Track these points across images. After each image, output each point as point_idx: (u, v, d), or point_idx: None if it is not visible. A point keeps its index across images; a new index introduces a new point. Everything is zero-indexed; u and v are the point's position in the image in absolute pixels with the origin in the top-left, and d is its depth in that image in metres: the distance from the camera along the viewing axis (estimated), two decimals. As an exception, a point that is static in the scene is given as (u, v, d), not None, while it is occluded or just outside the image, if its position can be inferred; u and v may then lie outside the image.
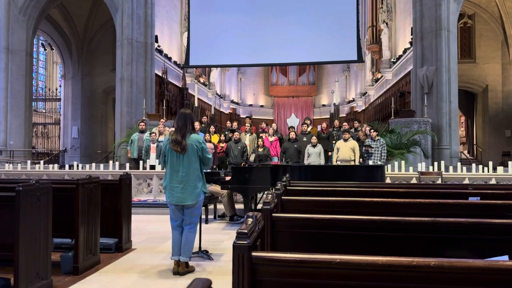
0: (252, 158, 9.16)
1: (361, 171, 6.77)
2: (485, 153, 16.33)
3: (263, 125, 11.35)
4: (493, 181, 7.50)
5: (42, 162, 10.09)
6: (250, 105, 28.52)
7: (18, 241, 3.07)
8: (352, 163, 8.30)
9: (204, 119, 11.17)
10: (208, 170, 5.92)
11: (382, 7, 18.50)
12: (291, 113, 24.45)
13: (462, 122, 18.74)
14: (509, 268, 1.26)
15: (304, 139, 9.70)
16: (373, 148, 8.34)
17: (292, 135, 9.34)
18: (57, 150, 19.09)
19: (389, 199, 3.06)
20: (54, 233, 3.60)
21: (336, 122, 10.49)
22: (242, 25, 14.02)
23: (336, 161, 8.44)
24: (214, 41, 14.10)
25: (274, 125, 11.32)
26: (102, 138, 18.62)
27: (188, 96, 17.92)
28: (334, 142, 9.27)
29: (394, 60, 17.02)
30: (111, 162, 9.81)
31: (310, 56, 14.04)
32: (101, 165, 9.37)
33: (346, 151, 8.42)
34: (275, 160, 9.34)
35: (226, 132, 10.37)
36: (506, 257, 1.68)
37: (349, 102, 25.81)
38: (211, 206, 7.15)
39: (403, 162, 8.33)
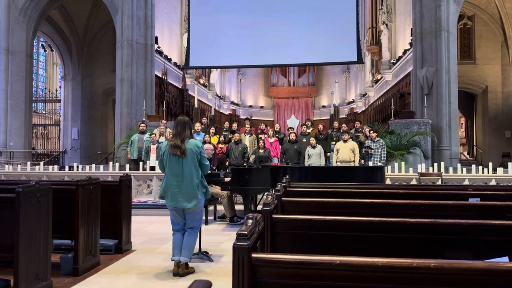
0: (252, 159, 9.16)
1: (361, 172, 6.77)
2: (485, 154, 16.33)
3: (262, 126, 11.35)
4: (493, 182, 7.50)
5: (42, 163, 10.09)
6: (250, 106, 28.54)
7: (18, 242, 3.07)
8: (352, 164, 8.30)
9: (204, 120, 11.17)
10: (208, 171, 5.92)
11: (382, 8, 18.52)
12: (291, 114, 24.46)
13: (462, 123, 18.74)
14: (509, 270, 1.26)
15: (304, 140, 9.70)
16: (372, 149, 8.33)
17: (292, 136, 9.34)
18: (57, 151, 19.09)
19: (389, 200, 3.06)
20: (54, 234, 3.60)
21: (336, 123, 10.49)
22: (242, 26, 14.03)
23: (336, 162, 8.44)
24: (214, 42, 14.12)
25: (277, 125, 11.31)
26: (102, 139, 18.62)
27: (188, 97, 17.93)
28: (333, 143, 9.27)
29: (394, 61, 17.03)
30: (111, 163, 9.82)
31: (310, 57, 14.05)
32: (101, 166, 9.37)
33: (346, 152, 8.41)
34: (275, 161, 9.33)
35: (225, 133, 10.37)
36: (506, 258, 1.68)
37: (349, 103, 25.82)
38: (211, 207, 7.15)
39: (403, 163, 8.33)
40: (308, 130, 10.25)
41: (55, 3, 15.05)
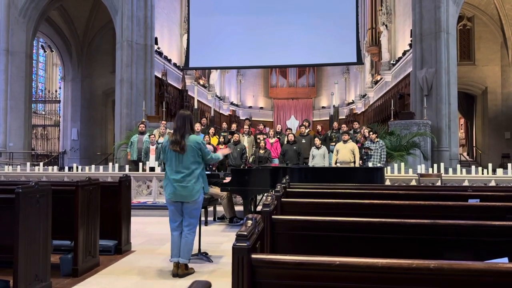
0: (251, 159, 9.16)
1: (361, 173, 6.77)
2: (485, 155, 16.35)
3: (261, 126, 11.34)
4: (492, 183, 7.50)
5: (41, 164, 10.08)
6: (250, 107, 28.55)
7: (18, 243, 3.07)
8: (352, 165, 8.30)
9: (204, 121, 11.17)
10: (208, 172, 5.92)
11: (381, 9, 18.53)
12: (291, 115, 24.46)
13: (461, 124, 18.76)
14: (508, 271, 1.26)
15: (303, 141, 9.70)
16: (372, 150, 8.33)
17: (291, 137, 9.33)
18: (57, 152, 19.09)
19: (389, 201, 3.06)
20: (54, 235, 3.60)
21: (336, 124, 10.49)
22: (241, 27, 14.05)
23: (336, 163, 8.43)
24: (213, 43, 14.13)
25: (278, 126, 11.32)
26: (102, 140, 18.61)
27: (187, 98, 17.92)
28: (333, 144, 9.26)
29: (394, 62, 17.04)
30: (110, 164, 9.81)
31: (310, 58, 14.06)
32: (101, 167, 9.37)
33: (345, 153, 8.40)
34: (276, 162, 9.33)
35: (223, 134, 10.38)
36: (505, 259, 1.68)
37: (349, 104, 25.83)
38: (210, 208, 7.14)
39: (402, 164, 8.33)
40: (306, 131, 10.26)
41: (55, 4, 15.06)
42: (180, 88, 17.99)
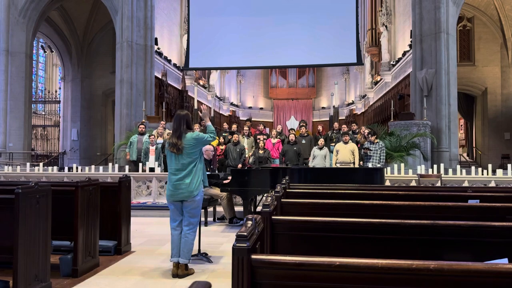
0: (251, 160, 9.16)
1: (361, 174, 6.76)
2: (485, 156, 16.35)
3: (261, 127, 11.35)
4: (492, 184, 7.50)
5: (41, 164, 10.07)
6: (250, 108, 28.55)
7: (17, 244, 3.07)
8: (352, 165, 8.30)
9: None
10: (208, 172, 5.92)
11: (381, 10, 18.54)
12: (291, 116, 24.47)
13: (461, 125, 18.76)
14: (508, 271, 1.26)
15: (303, 141, 9.70)
16: (371, 150, 8.33)
17: (292, 137, 9.34)
18: (57, 152, 19.09)
19: (389, 202, 3.06)
20: (53, 235, 3.60)
21: (336, 125, 10.50)
22: (241, 28, 14.05)
23: (336, 164, 8.43)
24: (213, 43, 14.13)
25: (279, 126, 11.32)
26: (102, 140, 18.61)
27: (187, 99, 17.93)
28: (333, 144, 9.26)
29: (394, 63, 17.05)
30: (110, 164, 9.79)
31: (310, 58, 14.06)
32: (101, 168, 9.36)
33: (345, 153, 8.41)
34: (277, 163, 9.32)
35: (224, 134, 10.38)
36: (505, 260, 1.68)
37: (349, 104, 25.83)
38: (210, 209, 7.14)
39: (402, 165, 8.33)
40: (306, 131, 10.27)
41: (55, 4, 15.06)
42: (180, 88, 17.99)
